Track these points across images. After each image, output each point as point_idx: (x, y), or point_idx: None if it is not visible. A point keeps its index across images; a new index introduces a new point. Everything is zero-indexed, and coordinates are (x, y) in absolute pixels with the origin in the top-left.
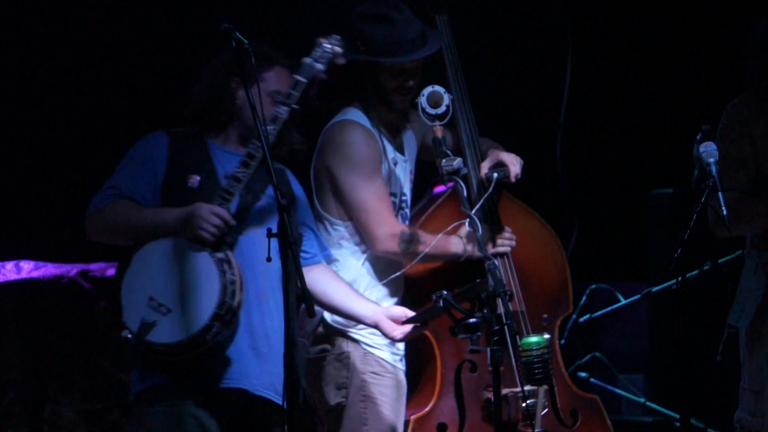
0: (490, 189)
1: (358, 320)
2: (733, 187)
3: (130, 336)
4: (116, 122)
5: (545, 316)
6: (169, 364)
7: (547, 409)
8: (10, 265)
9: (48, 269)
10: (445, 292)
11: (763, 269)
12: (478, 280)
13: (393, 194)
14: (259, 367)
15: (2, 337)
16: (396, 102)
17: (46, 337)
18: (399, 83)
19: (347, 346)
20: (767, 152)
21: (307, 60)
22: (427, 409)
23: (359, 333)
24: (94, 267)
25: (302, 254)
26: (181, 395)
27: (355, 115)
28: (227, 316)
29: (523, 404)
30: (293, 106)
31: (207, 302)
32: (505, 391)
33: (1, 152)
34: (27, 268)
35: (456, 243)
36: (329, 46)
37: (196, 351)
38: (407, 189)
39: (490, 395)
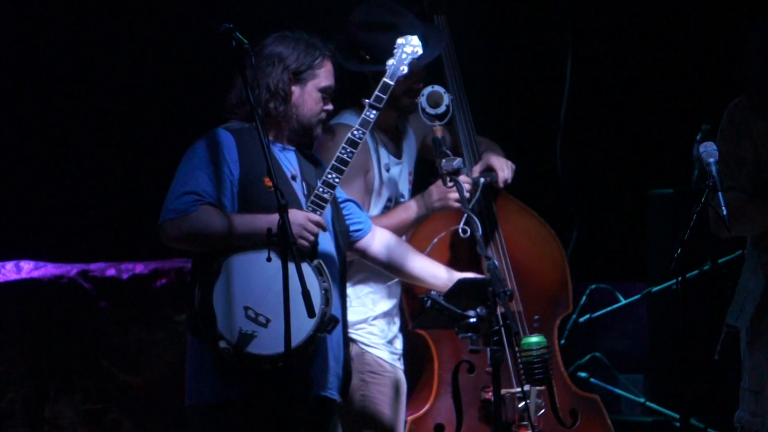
0: (477, 194)
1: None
2: (733, 187)
3: (228, 348)
4: (116, 122)
5: (536, 317)
6: (256, 374)
7: (544, 410)
8: (10, 265)
9: (48, 269)
10: (434, 293)
11: (762, 270)
12: (480, 277)
13: (389, 199)
14: (333, 370)
15: (2, 336)
16: (406, 105)
17: (46, 337)
18: (408, 86)
19: None
20: (767, 152)
21: (392, 63)
22: (424, 410)
23: (357, 333)
24: (94, 267)
25: (358, 226)
26: (276, 405)
27: (349, 119)
28: (329, 325)
29: (520, 404)
30: (380, 108)
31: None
32: (501, 391)
33: (1, 152)
34: (27, 268)
35: (412, 206)
36: (410, 47)
37: (296, 360)
38: (405, 190)
39: (488, 396)
